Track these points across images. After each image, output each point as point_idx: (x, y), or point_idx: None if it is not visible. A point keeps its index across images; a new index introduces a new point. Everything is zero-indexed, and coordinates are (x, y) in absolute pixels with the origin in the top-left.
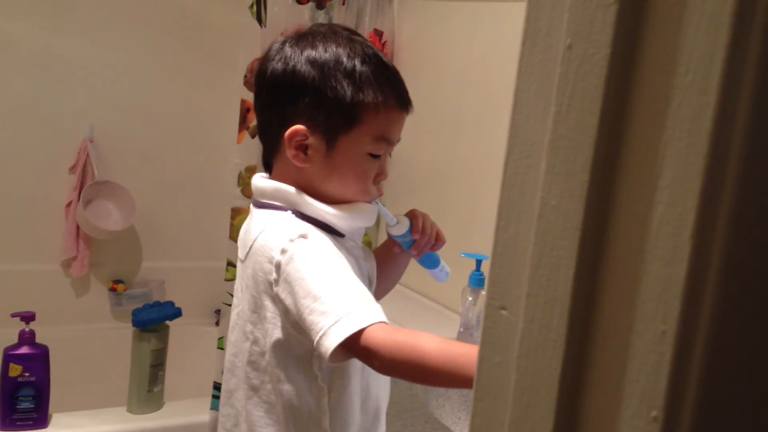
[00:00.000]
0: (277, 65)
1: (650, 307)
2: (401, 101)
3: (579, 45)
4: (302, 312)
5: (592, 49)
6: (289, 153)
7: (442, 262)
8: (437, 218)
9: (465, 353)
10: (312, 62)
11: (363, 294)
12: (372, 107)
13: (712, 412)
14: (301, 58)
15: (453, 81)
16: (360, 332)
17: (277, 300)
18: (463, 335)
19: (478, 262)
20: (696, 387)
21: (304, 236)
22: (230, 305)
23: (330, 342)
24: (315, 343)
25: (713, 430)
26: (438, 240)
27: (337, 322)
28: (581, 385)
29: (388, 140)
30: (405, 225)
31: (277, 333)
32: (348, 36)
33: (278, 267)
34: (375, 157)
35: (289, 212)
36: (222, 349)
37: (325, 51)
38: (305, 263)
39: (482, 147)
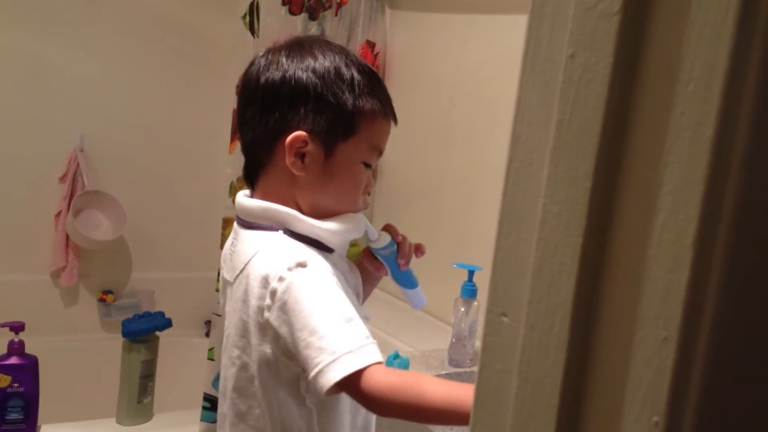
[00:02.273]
0: (273, 74)
1: (652, 313)
2: (392, 112)
3: (581, 54)
4: (298, 345)
5: (595, 58)
6: (288, 160)
7: (420, 288)
8: (430, 230)
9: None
10: (313, 70)
11: (360, 331)
12: (369, 115)
13: (713, 417)
14: (301, 66)
15: (445, 92)
16: (357, 373)
17: (267, 326)
18: (456, 346)
19: (471, 273)
20: (698, 392)
21: (302, 264)
22: (220, 315)
23: (326, 380)
24: (310, 377)
25: None
26: (418, 248)
27: (334, 360)
28: (583, 391)
29: (380, 150)
30: (386, 236)
31: (265, 358)
32: (339, 46)
33: (273, 294)
34: (367, 166)
35: (280, 232)
36: (212, 360)
37: (324, 59)
38: (304, 294)
39: (474, 158)
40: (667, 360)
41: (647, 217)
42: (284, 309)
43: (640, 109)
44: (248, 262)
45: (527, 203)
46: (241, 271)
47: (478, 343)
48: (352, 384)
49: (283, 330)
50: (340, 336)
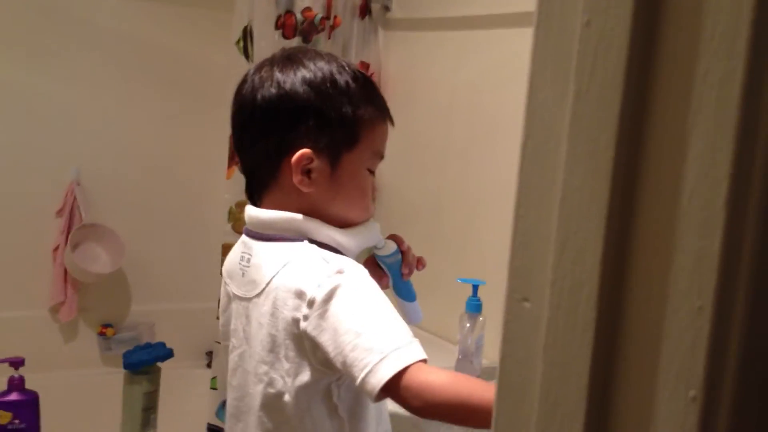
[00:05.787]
0: (269, 91)
1: (684, 283)
2: (388, 114)
3: (598, 21)
4: (343, 349)
5: (612, 23)
6: (296, 179)
7: (418, 303)
8: (431, 247)
9: None
10: (309, 83)
11: (404, 328)
12: (369, 123)
13: (753, 388)
14: (296, 80)
15: (441, 110)
16: (404, 370)
17: (303, 337)
18: (462, 362)
19: (475, 288)
20: (736, 364)
21: (340, 272)
22: (219, 343)
23: (377, 379)
24: (359, 380)
25: (755, 407)
26: (419, 260)
27: (384, 358)
28: (613, 371)
29: (381, 155)
30: (392, 244)
31: (302, 371)
32: (329, 54)
33: (311, 303)
34: (371, 173)
35: (305, 242)
36: (215, 389)
37: (318, 70)
38: (345, 299)
39: (473, 174)
40: (702, 331)
41: (675, 183)
42: (325, 316)
43: (661, 73)
44: (276, 274)
45: (546, 181)
46: (268, 285)
47: (485, 361)
48: (398, 382)
49: (324, 338)
50: (386, 335)
